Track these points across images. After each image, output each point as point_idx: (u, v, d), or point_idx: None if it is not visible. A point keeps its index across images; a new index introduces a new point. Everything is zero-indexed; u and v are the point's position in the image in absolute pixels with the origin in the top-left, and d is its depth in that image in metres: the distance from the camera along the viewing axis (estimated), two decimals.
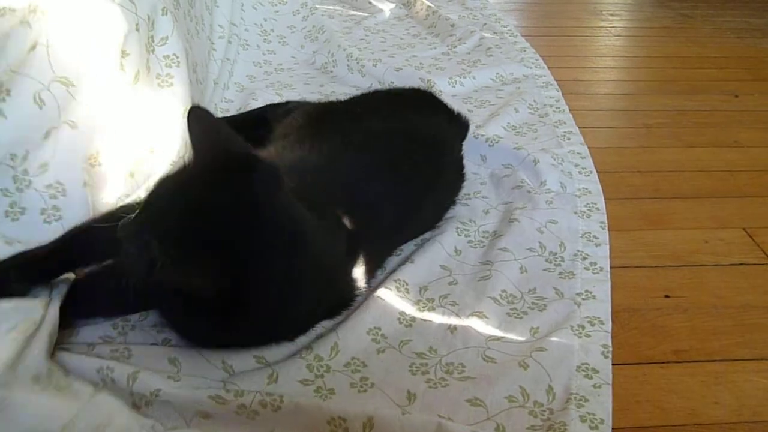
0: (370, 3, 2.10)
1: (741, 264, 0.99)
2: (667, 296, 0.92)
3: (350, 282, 0.83)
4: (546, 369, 0.76)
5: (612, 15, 2.25)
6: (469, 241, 0.99)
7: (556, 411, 0.72)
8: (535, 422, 0.70)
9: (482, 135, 1.24)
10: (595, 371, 0.77)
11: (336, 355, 0.77)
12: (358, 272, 0.84)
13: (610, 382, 0.75)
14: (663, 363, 0.80)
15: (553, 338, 0.81)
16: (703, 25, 2.14)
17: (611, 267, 0.96)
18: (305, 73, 1.60)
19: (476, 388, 0.74)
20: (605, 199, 1.12)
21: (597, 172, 1.19)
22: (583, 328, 0.83)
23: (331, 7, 2.04)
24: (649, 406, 0.74)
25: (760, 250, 1.02)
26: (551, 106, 1.45)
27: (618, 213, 1.10)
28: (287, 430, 0.66)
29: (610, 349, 0.80)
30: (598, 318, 0.85)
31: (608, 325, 0.84)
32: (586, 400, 0.73)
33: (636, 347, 0.83)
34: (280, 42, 1.71)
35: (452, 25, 1.88)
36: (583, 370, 0.77)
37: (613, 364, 0.79)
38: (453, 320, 0.84)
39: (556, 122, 1.38)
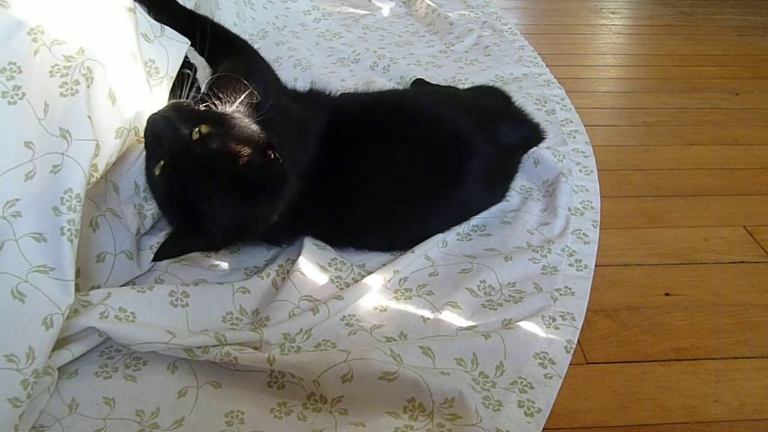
0: (369, 1, 2.10)
1: (741, 262, 0.99)
2: (667, 294, 0.92)
3: None
4: (505, 345, 0.78)
5: (612, 13, 2.25)
6: (457, 234, 1.00)
7: (498, 387, 0.73)
8: (473, 390, 0.72)
9: None
10: (552, 362, 0.77)
11: (308, 338, 0.80)
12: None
13: (563, 376, 0.76)
14: (663, 361, 0.80)
15: (522, 323, 0.82)
16: (704, 23, 2.14)
17: (612, 265, 0.96)
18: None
19: (432, 341, 0.78)
20: (605, 197, 1.12)
21: (597, 170, 1.19)
22: (554, 320, 0.84)
23: (331, 7, 2.04)
24: (650, 404, 0.74)
25: (761, 248, 1.02)
26: (557, 104, 1.45)
27: (618, 211, 1.10)
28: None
29: (574, 345, 0.80)
30: (571, 314, 0.85)
31: (579, 323, 0.84)
32: (531, 387, 0.74)
33: (636, 345, 0.82)
34: (294, 36, 1.73)
35: (451, 24, 1.87)
36: (540, 358, 0.78)
37: (612, 363, 0.79)
38: (427, 310, 0.85)
39: (562, 120, 1.38)
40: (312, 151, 0.90)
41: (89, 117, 0.78)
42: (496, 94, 1.30)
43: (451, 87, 1.40)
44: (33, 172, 0.73)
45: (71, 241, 0.73)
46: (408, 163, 0.95)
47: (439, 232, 0.98)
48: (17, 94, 0.73)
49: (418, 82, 1.42)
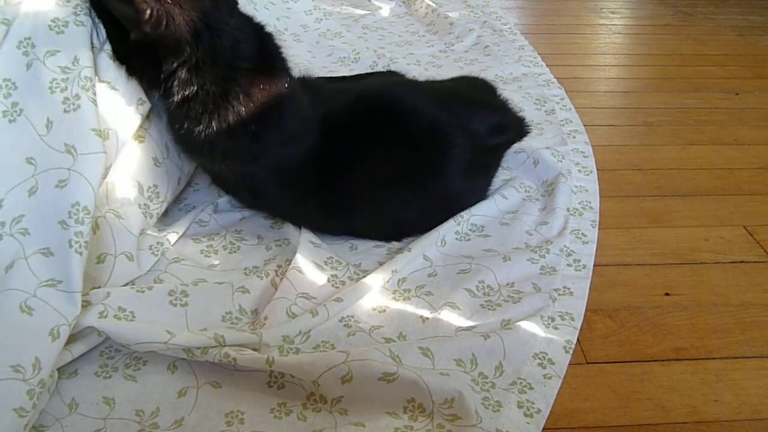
0: (369, 1, 2.10)
1: (741, 262, 0.99)
2: (667, 294, 0.92)
3: None
4: (504, 346, 0.78)
5: (612, 12, 2.25)
6: (456, 234, 1.00)
7: (497, 388, 0.73)
8: (473, 391, 0.72)
9: None
10: (551, 362, 0.78)
11: (307, 339, 0.80)
12: None
13: (562, 376, 0.76)
14: (663, 361, 0.80)
15: (521, 323, 0.82)
16: (704, 22, 2.14)
17: (611, 265, 0.96)
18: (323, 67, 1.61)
19: (431, 342, 0.78)
20: (605, 197, 1.12)
21: (597, 170, 1.19)
22: (553, 320, 0.84)
23: (331, 7, 2.04)
24: (650, 404, 0.74)
25: (761, 247, 1.02)
26: (557, 103, 1.45)
27: (618, 211, 1.10)
28: None
29: (573, 345, 0.80)
30: (570, 314, 0.85)
31: (578, 323, 0.84)
32: (531, 388, 0.74)
33: (636, 345, 0.83)
34: (294, 39, 1.73)
35: (451, 24, 1.87)
36: (539, 359, 0.78)
37: (612, 363, 0.79)
38: (426, 311, 0.85)
39: (562, 120, 1.38)
40: (314, 133, 0.94)
41: (92, 130, 0.78)
42: (479, 86, 1.27)
43: (432, 80, 1.36)
44: (36, 188, 0.74)
45: (80, 254, 0.74)
46: (387, 155, 0.96)
47: (421, 223, 0.99)
48: (16, 111, 0.74)
49: (391, 74, 1.43)
